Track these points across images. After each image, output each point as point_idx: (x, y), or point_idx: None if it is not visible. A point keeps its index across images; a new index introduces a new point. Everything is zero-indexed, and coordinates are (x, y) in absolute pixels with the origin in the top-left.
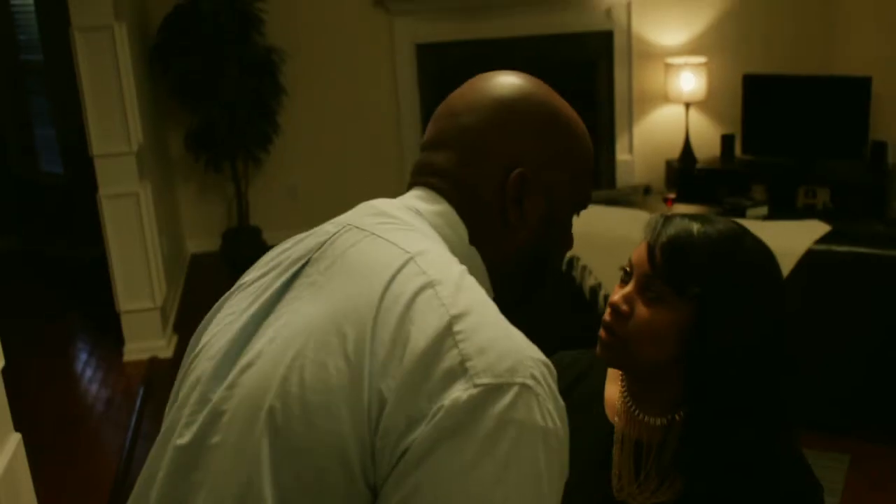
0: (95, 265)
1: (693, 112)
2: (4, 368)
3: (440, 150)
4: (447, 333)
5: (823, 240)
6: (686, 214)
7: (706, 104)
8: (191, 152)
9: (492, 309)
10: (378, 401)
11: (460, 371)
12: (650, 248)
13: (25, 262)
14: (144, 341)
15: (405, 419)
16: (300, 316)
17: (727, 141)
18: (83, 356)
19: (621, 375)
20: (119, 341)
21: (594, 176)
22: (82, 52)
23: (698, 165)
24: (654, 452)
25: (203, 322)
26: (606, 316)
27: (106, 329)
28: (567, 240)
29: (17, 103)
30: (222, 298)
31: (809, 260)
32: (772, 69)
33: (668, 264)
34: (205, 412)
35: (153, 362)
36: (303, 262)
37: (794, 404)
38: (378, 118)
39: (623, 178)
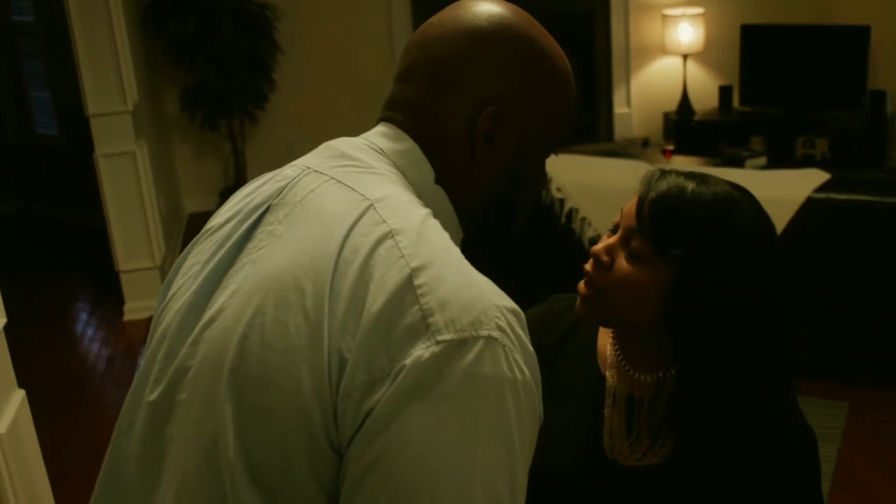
0: (93, 226)
1: (691, 63)
2: (6, 327)
3: (409, 83)
4: (408, 288)
5: (823, 188)
6: (686, 172)
7: (704, 55)
8: (186, 111)
9: (455, 256)
10: (338, 360)
11: (422, 328)
12: (640, 202)
13: (22, 225)
14: (144, 300)
15: (367, 379)
16: (260, 268)
17: (725, 92)
18: (83, 316)
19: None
20: (119, 301)
21: (594, 127)
22: (76, 12)
23: (696, 117)
24: (646, 409)
25: (172, 269)
26: (588, 265)
27: (105, 289)
28: (539, 180)
29: (10, 66)
30: (190, 244)
31: (810, 208)
32: (769, 19)
33: (652, 222)
34: (172, 368)
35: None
36: (263, 208)
37: (788, 362)
38: (374, 73)
39: (621, 130)
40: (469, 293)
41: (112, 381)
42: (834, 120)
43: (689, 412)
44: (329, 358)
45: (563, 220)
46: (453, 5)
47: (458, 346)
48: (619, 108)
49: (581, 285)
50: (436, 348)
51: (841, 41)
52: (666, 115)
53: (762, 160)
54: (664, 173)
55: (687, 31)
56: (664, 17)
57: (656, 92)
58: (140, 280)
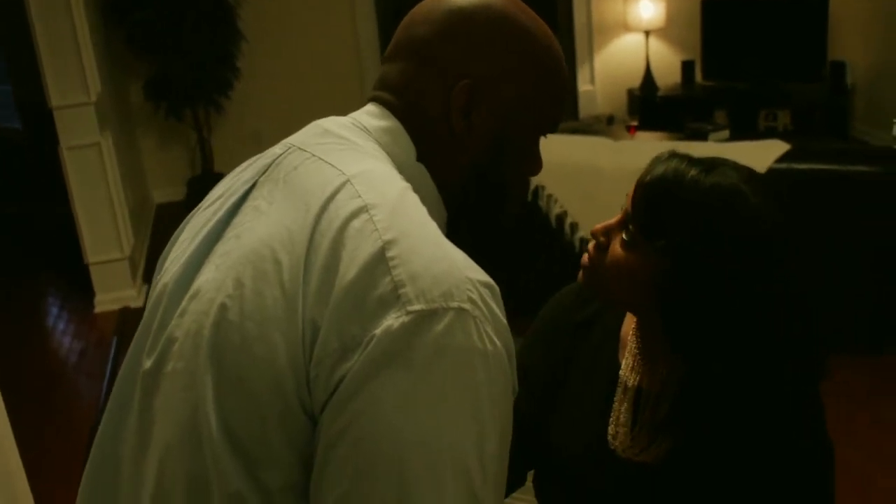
0: (61, 219)
1: (653, 40)
2: None
3: (394, 62)
4: (380, 260)
5: (784, 158)
6: (696, 157)
7: (665, 31)
8: (150, 101)
9: (430, 230)
10: (312, 329)
11: (393, 298)
12: (636, 186)
13: None
14: (115, 292)
15: (339, 347)
16: (243, 242)
17: (687, 67)
18: (54, 310)
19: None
20: (89, 293)
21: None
22: (35, 2)
23: (660, 93)
24: (651, 404)
25: (169, 243)
26: (590, 243)
27: (75, 282)
28: (531, 165)
29: None
30: (186, 219)
31: (771, 178)
32: None
33: (640, 207)
34: (163, 338)
35: (125, 312)
36: (250, 184)
37: (810, 369)
38: (338, 57)
39: (586, 108)
40: (441, 266)
41: (84, 373)
42: (796, 92)
43: (690, 413)
44: (303, 326)
45: (530, 196)
46: None
47: (428, 317)
48: (583, 86)
49: (584, 256)
50: (405, 318)
51: (800, 13)
52: (630, 92)
53: (725, 133)
54: (671, 156)
55: (648, 8)
56: None
57: (620, 69)
58: (110, 272)
